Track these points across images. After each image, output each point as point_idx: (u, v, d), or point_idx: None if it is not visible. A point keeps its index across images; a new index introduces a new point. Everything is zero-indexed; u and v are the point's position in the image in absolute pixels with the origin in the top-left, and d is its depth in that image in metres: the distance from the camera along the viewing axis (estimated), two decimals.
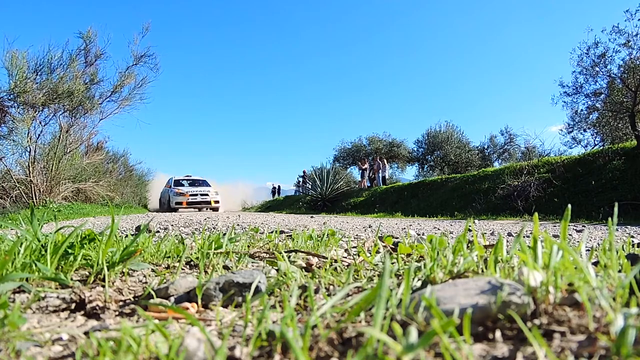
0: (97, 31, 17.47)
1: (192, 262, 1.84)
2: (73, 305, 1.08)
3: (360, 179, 27.76)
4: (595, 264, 1.26)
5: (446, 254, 1.23)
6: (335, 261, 1.60)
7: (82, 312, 1.05)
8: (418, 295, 0.82)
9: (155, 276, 1.51)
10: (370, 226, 7.71)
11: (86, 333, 0.88)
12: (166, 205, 23.52)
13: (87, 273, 1.42)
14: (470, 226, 1.32)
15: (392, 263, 1.54)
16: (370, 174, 26.74)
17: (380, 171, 25.35)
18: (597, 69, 15.21)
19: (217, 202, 22.98)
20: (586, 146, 19.13)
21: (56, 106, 16.88)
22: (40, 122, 17.18)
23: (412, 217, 14.51)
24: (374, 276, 1.41)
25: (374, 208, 19.37)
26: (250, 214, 18.57)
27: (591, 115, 17.60)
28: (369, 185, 26.25)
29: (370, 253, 2.12)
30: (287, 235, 3.29)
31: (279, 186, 38.18)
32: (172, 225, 7.43)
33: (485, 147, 32.83)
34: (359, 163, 29.20)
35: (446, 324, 0.61)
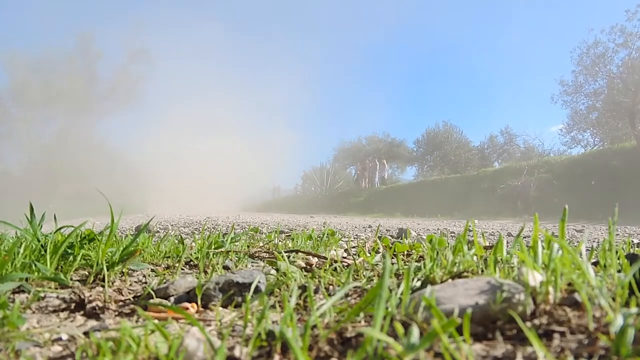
0: (96, 30, 17.51)
1: (191, 262, 1.84)
2: (73, 305, 1.08)
3: (360, 179, 27.73)
4: (595, 263, 1.26)
5: (446, 254, 1.23)
6: (335, 261, 1.60)
7: (82, 312, 1.05)
8: (418, 295, 0.82)
9: (155, 276, 1.51)
10: (370, 226, 7.72)
11: (86, 333, 0.88)
12: None
13: (87, 273, 1.42)
14: (470, 226, 1.32)
15: (392, 263, 1.54)
16: (370, 174, 26.73)
17: (379, 171, 25.35)
18: (597, 68, 15.23)
19: None
20: (586, 146, 19.15)
21: (56, 106, 16.89)
22: (39, 122, 17.19)
23: (412, 217, 14.52)
24: (374, 276, 1.41)
25: (374, 208, 19.36)
26: (250, 214, 18.56)
27: (591, 115, 17.61)
28: (369, 185, 26.24)
29: (370, 253, 2.12)
30: (286, 236, 3.29)
31: (278, 186, 38.17)
32: (172, 225, 7.43)
33: (485, 147, 32.87)
34: (359, 163, 29.14)
35: (447, 324, 0.61)
